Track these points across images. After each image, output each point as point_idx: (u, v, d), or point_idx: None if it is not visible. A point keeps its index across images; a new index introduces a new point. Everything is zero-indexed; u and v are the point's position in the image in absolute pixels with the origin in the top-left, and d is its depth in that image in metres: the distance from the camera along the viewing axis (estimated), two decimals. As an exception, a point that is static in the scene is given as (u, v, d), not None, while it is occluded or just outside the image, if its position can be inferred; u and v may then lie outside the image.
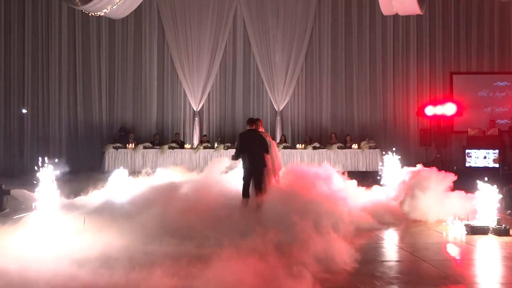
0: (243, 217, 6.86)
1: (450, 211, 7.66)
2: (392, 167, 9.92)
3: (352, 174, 10.04)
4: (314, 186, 7.59)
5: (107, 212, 7.34)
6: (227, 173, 9.66)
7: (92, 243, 5.66)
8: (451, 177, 8.32)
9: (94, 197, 9.04)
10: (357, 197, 8.87)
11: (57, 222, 6.16)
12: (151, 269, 4.59)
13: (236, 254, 4.93)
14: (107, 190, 9.39)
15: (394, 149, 10.40)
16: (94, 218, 6.81)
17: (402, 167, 9.84)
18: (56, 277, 4.43)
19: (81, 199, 8.92)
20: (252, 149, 8.20)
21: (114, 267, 4.69)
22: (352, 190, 9.13)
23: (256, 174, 8.09)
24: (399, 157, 10.05)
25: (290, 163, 11.64)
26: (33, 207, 6.23)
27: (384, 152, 10.58)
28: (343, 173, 9.46)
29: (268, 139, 8.36)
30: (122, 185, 9.57)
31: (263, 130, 8.69)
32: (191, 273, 4.54)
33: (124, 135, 14.42)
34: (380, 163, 11.40)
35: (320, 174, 8.25)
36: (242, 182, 8.27)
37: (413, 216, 7.89)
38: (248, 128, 8.51)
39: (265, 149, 8.17)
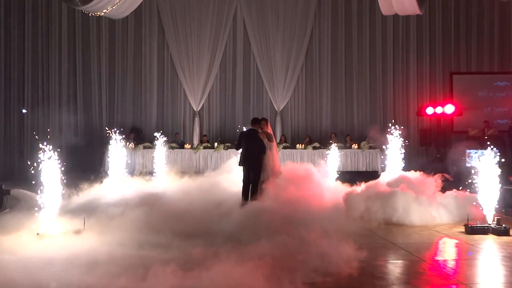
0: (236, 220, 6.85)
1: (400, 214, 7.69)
2: (392, 168, 9.91)
3: (353, 174, 10.06)
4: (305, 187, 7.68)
5: (88, 213, 7.23)
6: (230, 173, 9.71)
7: (76, 245, 5.61)
8: (431, 183, 8.32)
9: (83, 197, 8.94)
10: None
11: (54, 222, 6.14)
12: (143, 271, 4.54)
13: (231, 258, 4.93)
14: (96, 191, 9.31)
15: (393, 121, 10.25)
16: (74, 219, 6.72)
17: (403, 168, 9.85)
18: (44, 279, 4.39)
19: (71, 199, 8.84)
20: (247, 150, 8.26)
21: (107, 270, 4.61)
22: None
23: (252, 175, 8.14)
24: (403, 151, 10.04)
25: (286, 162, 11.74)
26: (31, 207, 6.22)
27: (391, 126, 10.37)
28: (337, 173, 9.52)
29: (266, 140, 8.35)
30: (115, 186, 9.53)
31: (270, 130, 8.64)
32: (182, 275, 4.48)
33: (137, 136, 14.33)
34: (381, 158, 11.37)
35: (311, 175, 8.33)
36: (242, 183, 8.30)
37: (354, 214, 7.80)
38: (250, 127, 8.56)
39: (262, 150, 8.20)
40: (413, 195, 7.90)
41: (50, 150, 6.15)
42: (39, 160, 6.13)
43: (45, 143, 6.11)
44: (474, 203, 7.27)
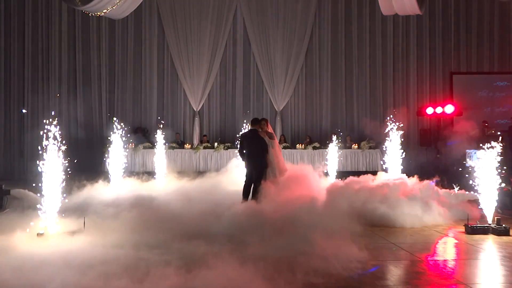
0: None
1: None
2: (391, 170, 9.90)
3: (353, 174, 10.04)
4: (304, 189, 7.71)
5: (88, 213, 7.17)
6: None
7: (76, 245, 5.59)
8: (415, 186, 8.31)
9: (83, 196, 8.90)
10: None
11: (54, 222, 6.13)
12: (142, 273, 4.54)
13: (230, 258, 4.93)
14: (96, 190, 9.28)
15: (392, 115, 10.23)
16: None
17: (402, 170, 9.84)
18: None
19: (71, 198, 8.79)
20: (250, 150, 8.25)
21: (107, 270, 4.58)
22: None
23: (255, 175, 8.13)
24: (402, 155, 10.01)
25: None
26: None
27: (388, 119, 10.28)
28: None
29: (267, 139, 8.34)
30: (114, 186, 9.51)
31: (270, 130, 8.64)
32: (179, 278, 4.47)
33: (143, 136, 14.32)
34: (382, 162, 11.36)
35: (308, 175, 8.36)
36: (244, 182, 8.29)
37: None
38: (250, 128, 8.55)
39: (264, 149, 8.18)
40: (400, 190, 7.90)
41: (58, 139, 6.14)
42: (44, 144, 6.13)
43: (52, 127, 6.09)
44: (469, 201, 7.28)
